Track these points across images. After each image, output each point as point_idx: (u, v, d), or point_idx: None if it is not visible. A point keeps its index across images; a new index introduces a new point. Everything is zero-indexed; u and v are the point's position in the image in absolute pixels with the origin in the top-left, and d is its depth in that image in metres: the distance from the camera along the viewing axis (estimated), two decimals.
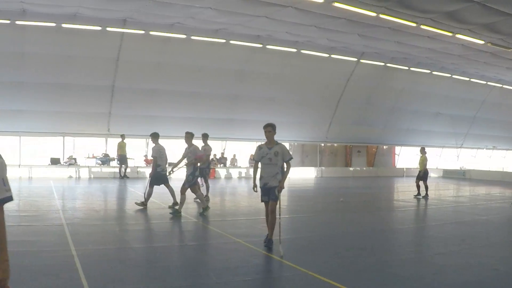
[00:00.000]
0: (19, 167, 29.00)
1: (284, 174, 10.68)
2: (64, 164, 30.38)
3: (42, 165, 29.52)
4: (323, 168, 39.13)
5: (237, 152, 36.76)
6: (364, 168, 42.44)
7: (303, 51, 32.38)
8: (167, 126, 29.59)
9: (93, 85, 28.80)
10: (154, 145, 16.36)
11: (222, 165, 35.22)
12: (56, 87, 28.23)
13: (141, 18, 26.43)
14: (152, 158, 16.35)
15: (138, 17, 26.36)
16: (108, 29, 27.15)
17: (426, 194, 22.11)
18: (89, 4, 23.93)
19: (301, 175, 36.27)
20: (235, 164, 36.15)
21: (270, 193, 10.58)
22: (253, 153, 12.24)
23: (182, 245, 10.76)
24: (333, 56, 33.36)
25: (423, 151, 23.01)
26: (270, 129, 10.70)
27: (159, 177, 15.96)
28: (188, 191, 14.59)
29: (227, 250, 10.14)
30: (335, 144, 41.80)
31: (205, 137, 18.69)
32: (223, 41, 29.73)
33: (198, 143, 16.05)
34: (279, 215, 10.45)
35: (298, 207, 19.04)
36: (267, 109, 33.50)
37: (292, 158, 10.93)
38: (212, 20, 26.28)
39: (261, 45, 30.89)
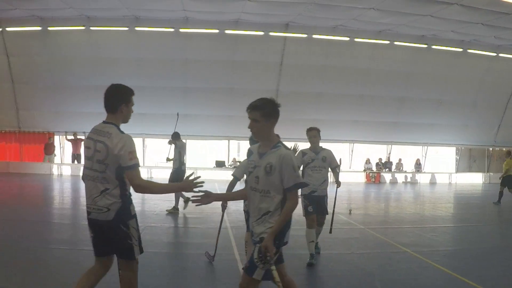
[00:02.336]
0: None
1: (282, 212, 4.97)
2: (229, 166, 31.12)
3: (208, 168, 30.36)
4: (491, 173, 36.90)
5: (403, 156, 35.72)
6: None
7: (469, 51, 30.76)
8: (333, 129, 29.40)
9: (257, 89, 29.20)
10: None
11: (387, 169, 34.44)
12: (221, 91, 29.05)
13: (303, 21, 26.52)
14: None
15: (301, 21, 26.47)
16: (271, 33, 27.60)
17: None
18: (251, 10, 24.41)
19: (469, 181, 34.66)
20: (401, 168, 35.14)
21: None
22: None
23: (349, 253, 10.39)
24: (501, 55, 31.35)
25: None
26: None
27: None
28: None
29: (395, 260, 9.64)
30: (504, 149, 39.34)
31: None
32: (387, 42, 29.08)
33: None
34: None
35: (467, 215, 17.80)
36: (433, 111, 32.30)
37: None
38: (375, 21, 25.80)
39: (426, 46, 29.80)
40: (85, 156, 5.20)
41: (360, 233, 12.88)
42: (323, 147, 10.05)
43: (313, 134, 9.83)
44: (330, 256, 9.98)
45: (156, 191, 5.56)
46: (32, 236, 10.82)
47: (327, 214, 9.90)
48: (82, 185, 5.39)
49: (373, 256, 10.26)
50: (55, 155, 30.76)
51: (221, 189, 20.32)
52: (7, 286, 7.07)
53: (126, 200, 5.07)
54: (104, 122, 5.16)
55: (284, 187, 4.90)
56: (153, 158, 32.28)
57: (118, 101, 5.14)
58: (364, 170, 33.32)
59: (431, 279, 8.26)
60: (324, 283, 7.96)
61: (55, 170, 29.92)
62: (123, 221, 5.04)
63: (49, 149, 29.76)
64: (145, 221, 13.48)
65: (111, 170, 4.94)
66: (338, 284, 7.83)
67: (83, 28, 26.93)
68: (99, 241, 5.13)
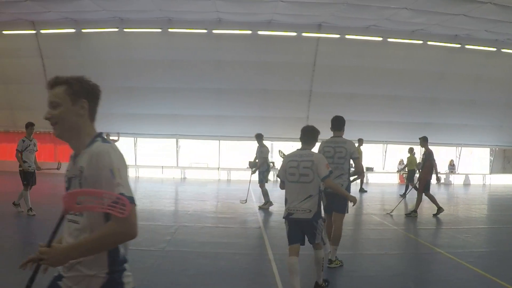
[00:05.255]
0: (218, 170, 30.25)
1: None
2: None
3: (241, 169, 30.31)
4: None
5: (437, 157, 35.26)
6: None
7: (503, 50, 30.21)
8: (366, 130, 29.15)
9: (290, 90, 29.17)
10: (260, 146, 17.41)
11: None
12: (254, 93, 29.02)
13: (336, 22, 26.35)
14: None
15: (333, 21, 26.32)
16: (304, 34, 27.56)
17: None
18: (283, 11, 24.37)
19: (503, 182, 34.05)
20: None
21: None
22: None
23: (382, 253, 10.32)
24: None
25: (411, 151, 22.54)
26: None
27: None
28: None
29: (427, 261, 9.57)
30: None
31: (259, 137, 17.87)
32: (420, 42, 28.82)
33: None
34: None
35: (501, 217, 17.50)
36: (467, 111, 31.71)
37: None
38: (408, 21, 25.51)
39: (459, 45, 29.34)
40: None
41: (393, 234, 12.79)
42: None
43: None
44: (363, 256, 9.96)
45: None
46: None
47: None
48: None
49: (406, 257, 10.22)
50: None
51: (254, 189, 20.29)
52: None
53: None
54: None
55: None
56: (186, 158, 32.40)
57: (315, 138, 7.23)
58: (398, 171, 33.02)
59: (463, 280, 8.17)
60: (357, 283, 7.91)
61: None
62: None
63: None
64: (178, 221, 13.59)
65: None
66: (371, 284, 7.79)
67: (116, 30, 27.22)
68: None
